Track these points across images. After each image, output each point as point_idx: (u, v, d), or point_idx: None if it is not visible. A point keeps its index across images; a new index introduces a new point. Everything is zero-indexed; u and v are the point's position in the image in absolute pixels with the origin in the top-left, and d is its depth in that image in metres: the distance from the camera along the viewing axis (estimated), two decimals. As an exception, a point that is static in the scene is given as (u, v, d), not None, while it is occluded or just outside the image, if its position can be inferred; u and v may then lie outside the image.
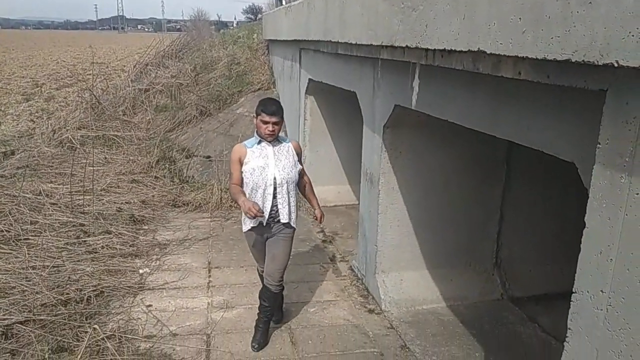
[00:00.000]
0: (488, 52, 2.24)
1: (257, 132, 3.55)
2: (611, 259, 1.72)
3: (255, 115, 3.54)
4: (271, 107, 3.45)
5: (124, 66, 17.42)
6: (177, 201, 6.90)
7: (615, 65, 1.53)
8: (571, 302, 1.93)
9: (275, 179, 3.48)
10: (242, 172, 3.52)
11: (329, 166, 7.25)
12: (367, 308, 4.44)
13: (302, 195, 3.96)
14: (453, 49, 2.56)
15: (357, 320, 4.24)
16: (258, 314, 3.86)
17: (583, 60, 1.65)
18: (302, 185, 3.84)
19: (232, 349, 3.77)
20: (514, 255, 4.72)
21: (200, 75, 10.60)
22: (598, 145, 1.76)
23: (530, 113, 2.31)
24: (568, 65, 1.77)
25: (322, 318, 4.26)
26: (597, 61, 1.60)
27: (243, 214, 3.50)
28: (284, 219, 3.56)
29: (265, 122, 3.43)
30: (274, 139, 3.53)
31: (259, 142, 3.53)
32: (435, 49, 2.86)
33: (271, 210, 3.53)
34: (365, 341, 3.93)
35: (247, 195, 3.49)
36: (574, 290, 1.91)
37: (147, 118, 9.58)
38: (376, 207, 4.43)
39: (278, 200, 3.53)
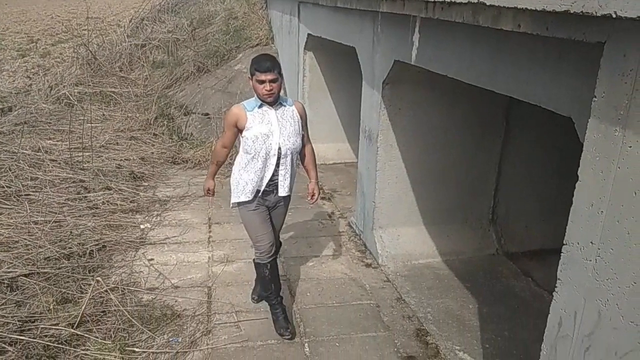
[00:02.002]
0: (488, 3, 2.20)
1: (256, 94, 3.16)
2: (602, 211, 1.75)
3: (249, 76, 3.13)
4: (265, 64, 3.03)
5: (120, 21, 17.05)
6: (176, 158, 6.92)
7: (614, 16, 1.51)
8: (561, 254, 1.98)
9: (280, 149, 3.16)
10: (242, 137, 3.19)
11: (328, 123, 7.22)
12: (365, 262, 4.53)
13: (301, 164, 3.55)
14: (453, 0, 2.51)
15: (354, 274, 4.34)
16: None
17: (582, 11, 1.62)
18: (302, 153, 3.47)
19: (233, 301, 3.87)
20: (510, 211, 4.78)
21: (197, 31, 10.39)
22: (594, 99, 1.76)
23: (529, 67, 2.29)
24: (567, 16, 1.75)
25: (320, 272, 4.35)
26: (596, 12, 1.57)
27: (235, 185, 3.29)
28: (283, 191, 3.31)
29: (262, 82, 3.04)
30: (275, 101, 3.15)
31: (260, 106, 3.15)
32: (435, 1, 2.81)
33: (271, 180, 3.25)
34: (362, 294, 4.04)
35: (246, 163, 3.21)
36: (564, 242, 1.95)
37: (144, 74, 9.46)
38: (374, 164, 4.45)
39: (280, 172, 3.24)
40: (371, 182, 4.57)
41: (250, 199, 3.26)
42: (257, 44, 9.08)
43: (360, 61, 4.68)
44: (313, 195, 3.53)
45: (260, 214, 3.34)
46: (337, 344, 3.42)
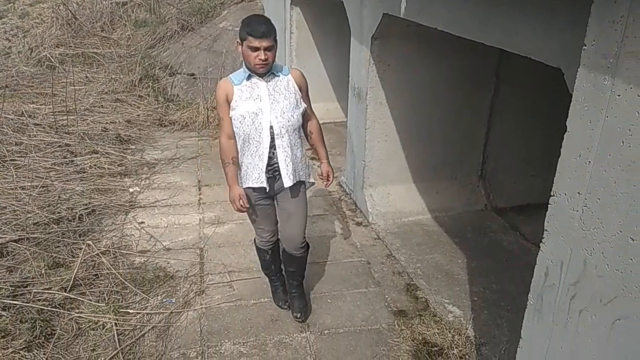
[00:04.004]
0: (478, -50, 2.12)
1: (245, 63, 2.70)
2: (589, 161, 1.74)
3: (239, 41, 2.64)
4: (259, 28, 2.54)
5: (99, -21, 16.46)
6: (163, 120, 6.83)
7: (607, -42, 1.46)
8: (549, 205, 1.99)
9: (271, 127, 2.70)
10: (230, 117, 2.76)
11: (317, 82, 7.08)
12: (355, 221, 4.56)
13: (308, 142, 3.07)
14: (442, -52, 2.42)
15: (345, 232, 4.37)
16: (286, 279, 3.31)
17: (574, -45, 1.57)
18: (306, 130, 3.00)
19: (225, 261, 3.90)
20: (499, 166, 4.79)
21: (180, -13, 10.06)
22: (583, 48, 1.73)
23: (519, 17, 2.23)
24: (559, -39, 1.69)
25: (311, 231, 4.38)
26: (589, -45, 1.52)
27: (243, 170, 2.89)
28: (288, 181, 2.80)
29: (255, 49, 2.57)
30: (268, 71, 2.70)
31: (249, 77, 2.71)
32: (423, -50, 2.71)
33: (270, 166, 2.80)
34: (353, 251, 4.08)
35: (239, 149, 2.82)
36: (552, 194, 1.96)
37: (127, 34, 9.21)
38: (364, 122, 4.41)
39: (279, 156, 2.76)
40: (361, 141, 4.54)
41: (256, 186, 2.82)
42: (242, 0, 8.83)
43: (349, 16, 4.57)
44: (328, 178, 3.09)
45: (261, 208, 2.98)
46: (329, 300, 3.48)
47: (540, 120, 4.61)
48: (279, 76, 2.75)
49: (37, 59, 8.47)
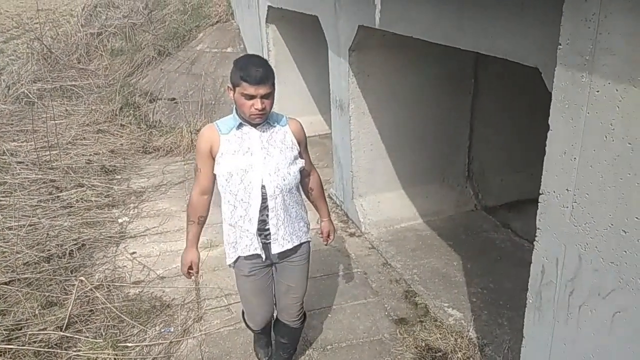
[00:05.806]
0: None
1: (236, 110, 2.26)
2: (575, 158, 1.77)
3: (230, 86, 2.19)
4: (255, 72, 2.10)
5: (72, 10, 16.40)
6: (147, 147, 6.79)
7: (573, -40, 1.49)
8: (539, 203, 2.01)
9: (263, 187, 2.27)
10: (214, 175, 2.34)
11: (298, 97, 7.14)
12: (348, 232, 4.56)
13: (307, 199, 2.65)
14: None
15: (339, 244, 4.36)
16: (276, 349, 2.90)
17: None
18: (306, 186, 2.58)
19: (221, 285, 3.86)
20: (485, 166, 4.84)
21: (154, 13, 10.06)
22: (559, 47, 1.76)
23: (494, 21, 2.27)
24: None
25: (305, 246, 4.36)
26: (555, -43, 1.55)
27: (225, 239, 2.48)
28: (277, 247, 2.38)
29: (250, 97, 2.13)
30: (263, 120, 2.27)
31: (239, 126, 2.27)
32: (393, -39, 2.75)
33: (265, 231, 2.36)
34: (348, 263, 4.07)
35: (224, 211, 2.40)
36: (541, 192, 1.98)
37: (104, 64, 9.18)
38: (348, 133, 4.43)
39: (270, 221, 2.33)
40: (347, 152, 4.56)
41: (248, 254, 2.40)
42: (217, 21, 8.85)
43: (324, 30, 4.60)
44: (329, 236, 2.77)
45: (255, 281, 2.50)
46: (329, 315, 3.46)
47: (521, 116, 4.67)
48: (274, 127, 2.32)
49: (15, 96, 8.38)
